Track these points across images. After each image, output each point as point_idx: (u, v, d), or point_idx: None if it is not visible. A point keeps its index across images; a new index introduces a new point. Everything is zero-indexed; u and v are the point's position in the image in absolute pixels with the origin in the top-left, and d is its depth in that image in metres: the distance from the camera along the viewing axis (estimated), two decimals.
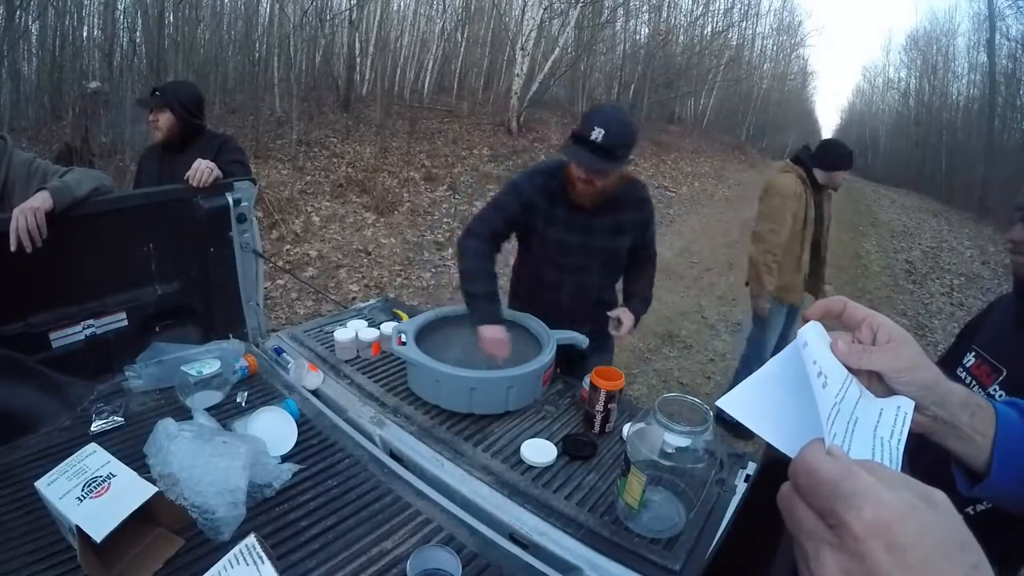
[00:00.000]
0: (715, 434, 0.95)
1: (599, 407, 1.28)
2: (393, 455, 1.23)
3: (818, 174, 2.58)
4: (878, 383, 0.49)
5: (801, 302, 2.76)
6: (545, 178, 1.58)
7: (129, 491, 0.88)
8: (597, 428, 1.30)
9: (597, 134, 1.38)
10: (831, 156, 2.60)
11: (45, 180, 1.43)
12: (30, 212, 1.23)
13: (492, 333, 1.43)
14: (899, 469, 0.36)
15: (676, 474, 0.96)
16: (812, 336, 0.46)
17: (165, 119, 1.92)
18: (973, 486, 0.53)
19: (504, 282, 1.71)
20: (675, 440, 0.93)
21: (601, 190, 1.48)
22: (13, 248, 1.22)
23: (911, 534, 0.24)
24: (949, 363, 1.11)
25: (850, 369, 0.45)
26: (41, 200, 1.26)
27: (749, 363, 2.95)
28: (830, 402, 0.40)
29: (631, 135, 1.45)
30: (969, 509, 0.93)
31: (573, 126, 1.50)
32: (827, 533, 0.26)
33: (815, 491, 0.27)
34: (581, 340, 1.52)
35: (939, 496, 0.26)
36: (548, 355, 1.39)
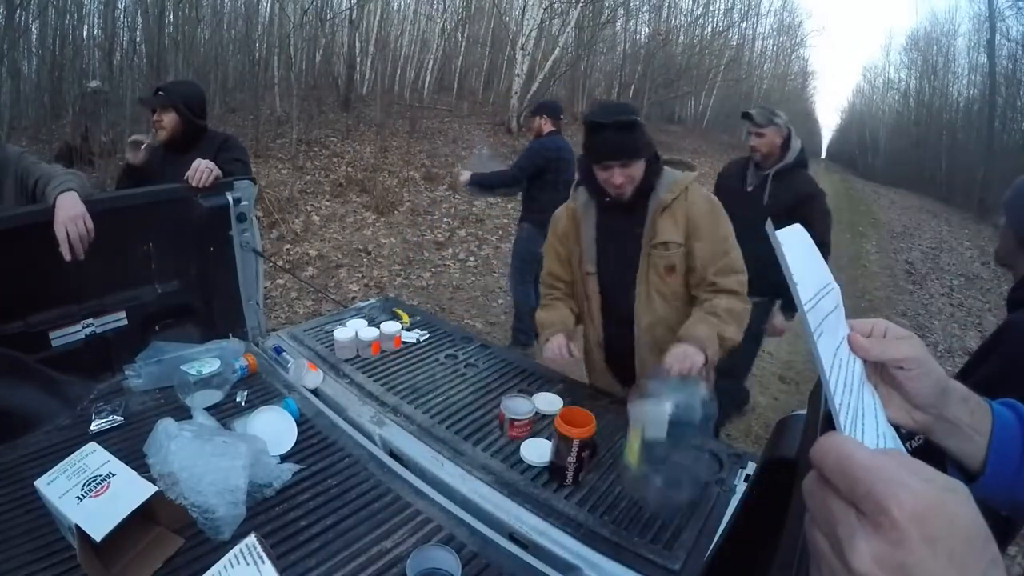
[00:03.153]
0: (709, 390, 1.02)
1: (571, 458, 1.09)
2: (393, 454, 1.23)
3: None
4: (883, 385, 0.49)
5: None
6: None
7: (129, 490, 0.88)
8: (570, 480, 1.11)
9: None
10: None
11: (30, 175, 1.44)
12: (80, 220, 1.27)
13: None
14: None
15: (678, 428, 0.97)
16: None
17: (169, 119, 1.91)
18: (968, 485, 0.53)
19: None
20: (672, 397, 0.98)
21: None
22: (68, 259, 1.26)
23: (944, 526, 0.24)
24: None
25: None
26: (80, 206, 1.30)
27: None
28: (834, 381, 0.40)
29: None
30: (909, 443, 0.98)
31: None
32: (859, 521, 0.26)
33: (850, 476, 0.27)
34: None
35: (962, 487, 0.26)
36: None
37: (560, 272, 1.60)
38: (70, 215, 1.27)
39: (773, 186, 2.26)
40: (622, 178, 1.35)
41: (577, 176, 1.56)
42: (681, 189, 1.41)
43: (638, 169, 1.38)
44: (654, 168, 1.42)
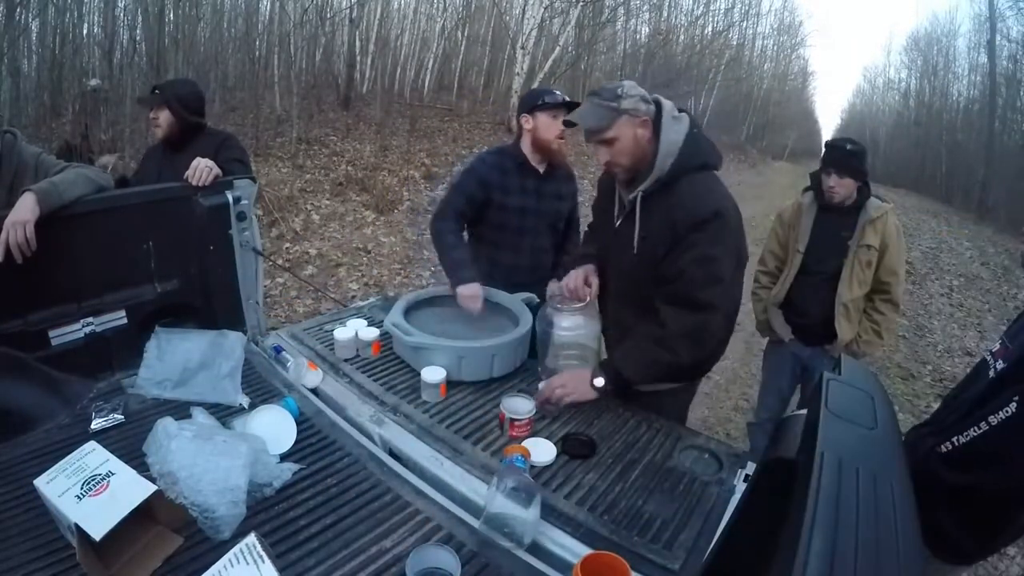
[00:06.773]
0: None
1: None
2: (392, 454, 1.23)
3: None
4: None
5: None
6: (495, 156, 1.88)
7: (128, 489, 0.88)
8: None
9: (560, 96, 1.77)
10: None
11: (48, 175, 1.42)
12: (20, 226, 1.24)
13: (468, 290, 1.67)
14: None
15: None
16: None
17: (164, 117, 1.91)
18: None
19: None
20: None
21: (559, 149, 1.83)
22: (0, 259, 1.23)
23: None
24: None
25: None
26: (30, 212, 1.26)
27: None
28: None
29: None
30: (940, 447, 1.06)
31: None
32: None
33: None
34: (533, 298, 1.76)
35: None
36: (527, 326, 1.55)
37: (778, 250, 2.22)
38: (16, 218, 1.24)
39: None
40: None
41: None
42: (882, 213, 2.00)
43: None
44: (864, 192, 2.03)
